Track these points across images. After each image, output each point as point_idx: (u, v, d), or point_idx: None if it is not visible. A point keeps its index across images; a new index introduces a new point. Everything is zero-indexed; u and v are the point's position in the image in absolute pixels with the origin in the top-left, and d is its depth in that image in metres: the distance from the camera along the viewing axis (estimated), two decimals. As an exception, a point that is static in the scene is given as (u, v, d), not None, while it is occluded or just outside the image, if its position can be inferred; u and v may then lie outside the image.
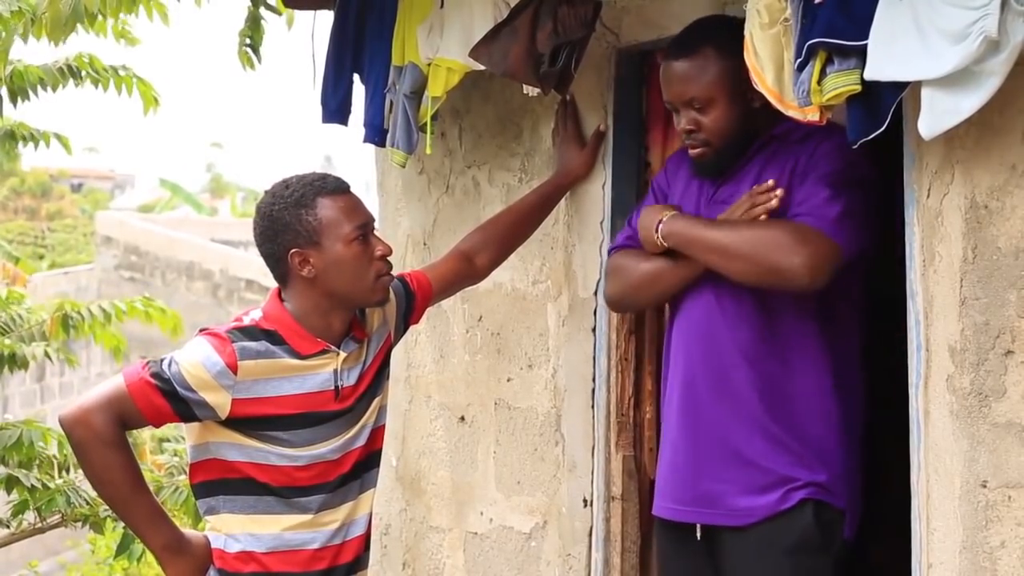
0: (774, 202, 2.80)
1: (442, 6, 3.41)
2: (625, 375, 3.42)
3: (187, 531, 2.83)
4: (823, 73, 2.46)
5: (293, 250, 2.78)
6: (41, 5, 4.07)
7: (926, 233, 2.55)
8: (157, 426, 2.85)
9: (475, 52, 3.26)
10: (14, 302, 5.95)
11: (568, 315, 3.54)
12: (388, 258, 2.85)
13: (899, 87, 2.38)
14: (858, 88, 2.41)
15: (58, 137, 5.97)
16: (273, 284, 2.90)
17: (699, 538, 2.94)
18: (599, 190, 3.46)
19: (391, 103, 3.58)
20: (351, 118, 3.82)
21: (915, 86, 2.35)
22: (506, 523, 3.74)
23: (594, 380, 3.46)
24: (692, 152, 2.95)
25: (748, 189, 2.89)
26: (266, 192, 2.86)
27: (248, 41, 4.59)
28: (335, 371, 2.82)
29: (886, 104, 2.41)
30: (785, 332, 2.87)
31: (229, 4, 4.81)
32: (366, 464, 2.91)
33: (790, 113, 2.58)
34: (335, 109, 3.79)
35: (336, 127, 3.88)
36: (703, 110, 2.89)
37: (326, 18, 3.90)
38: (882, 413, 3.01)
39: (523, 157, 3.70)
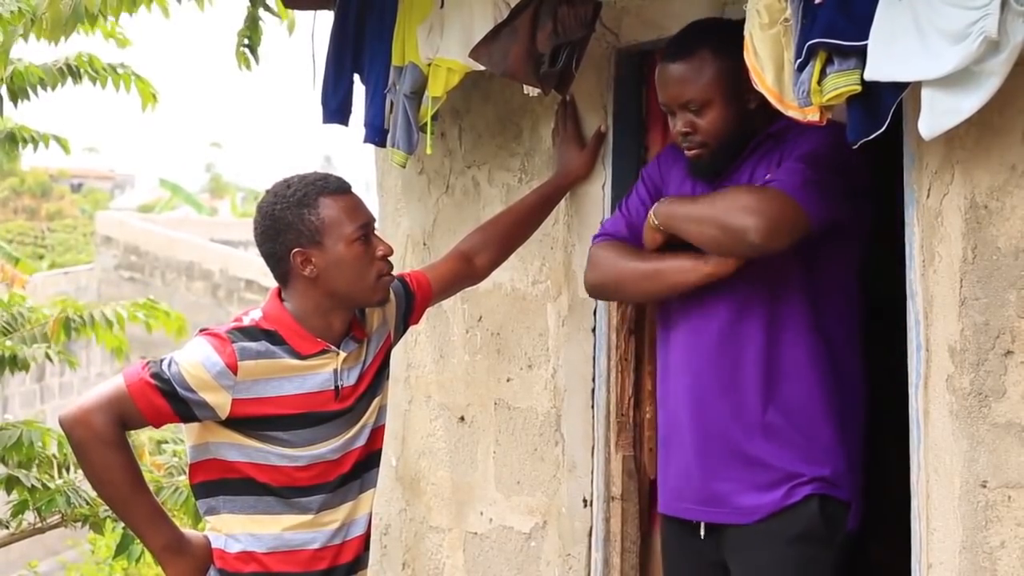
0: None
1: (442, 6, 3.41)
2: (625, 375, 3.42)
3: (187, 531, 2.83)
4: (823, 73, 2.46)
5: (295, 250, 2.78)
6: (41, 5, 4.07)
7: (926, 233, 2.55)
8: (157, 426, 2.85)
9: (475, 52, 3.26)
10: (15, 305, 5.95)
11: (568, 315, 3.54)
12: (389, 258, 2.85)
13: (899, 87, 2.38)
14: (858, 88, 2.41)
15: (57, 139, 5.98)
16: (273, 284, 2.90)
17: (704, 536, 2.94)
18: (599, 190, 3.46)
19: (391, 103, 3.58)
20: (351, 118, 3.82)
21: (915, 86, 2.35)
22: (506, 523, 3.74)
23: (594, 380, 3.46)
24: (688, 153, 2.96)
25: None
26: (267, 191, 2.86)
27: (246, 41, 4.58)
28: (335, 371, 2.82)
29: (886, 104, 2.41)
30: (786, 325, 2.88)
31: (229, 5, 4.81)
32: (366, 464, 2.91)
33: (790, 113, 2.58)
34: (335, 109, 3.79)
35: (336, 127, 3.88)
36: (699, 112, 2.89)
37: (326, 18, 3.91)
38: (882, 413, 3.01)
39: (523, 157, 3.70)
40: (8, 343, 5.66)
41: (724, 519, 2.91)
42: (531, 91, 3.35)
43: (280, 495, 2.79)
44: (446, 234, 3.93)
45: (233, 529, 2.79)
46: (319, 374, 2.80)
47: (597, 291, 3.21)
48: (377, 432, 2.94)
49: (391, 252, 2.86)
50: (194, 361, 2.70)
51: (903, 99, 2.43)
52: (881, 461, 3.06)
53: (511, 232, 3.39)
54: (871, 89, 2.41)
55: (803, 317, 2.88)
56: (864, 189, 2.86)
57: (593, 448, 3.46)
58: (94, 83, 5.59)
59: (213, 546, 2.80)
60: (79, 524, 5.56)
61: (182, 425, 2.83)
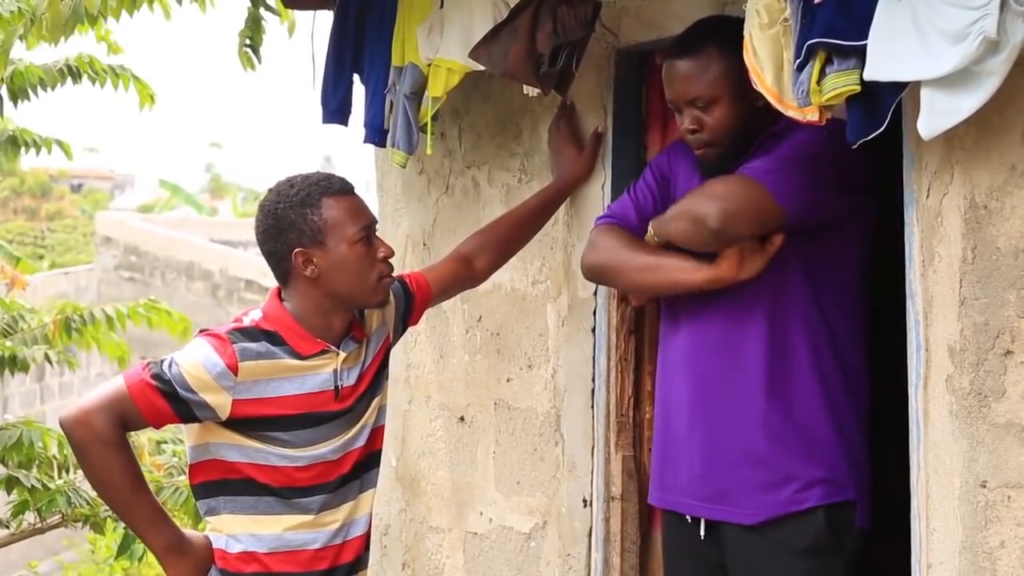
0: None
1: (442, 6, 3.41)
2: (625, 375, 3.42)
3: (188, 531, 2.84)
4: (822, 73, 2.46)
5: (297, 249, 2.78)
6: (41, 6, 4.07)
7: (925, 233, 2.55)
8: (157, 427, 2.85)
9: (475, 52, 3.26)
10: (15, 310, 5.95)
11: (568, 315, 3.54)
12: (390, 260, 2.86)
13: (898, 87, 2.38)
14: (857, 88, 2.41)
15: (59, 143, 5.99)
16: (273, 285, 2.91)
17: (704, 535, 2.94)
18: (599, 190, 3.46)
19: (391, 103, 3.58)
20: (351, 118, 3.82)
21: (914, 86, 2.35)
22: (506, 523, 3.74)
23: (594, 380, 3.46)
24: (698, 152, 2.95)
25: None
26: (270, 190, 2.87)
27: (248, 42, 4.59)
28: (335, 371, 2.82)
29: (886, 104, 2.41)
30: (788, 323, 2.87)
31: (229, 5, 4.81)
32: (366, 464, 2.91)
33: (789, 113, 2.58)
34: (335, 109, 3.79)
35: (336, 127, 3.88)
36: (706, 109, 2.89)
37: (326, 18, 3.91)
38: (882, 413, 3.01)
39: (523, 157, 3.70)
40: (8, 344, 5.65)
41: (724, 517, 2.90)
42: (531, 91, 3.36)
43: (280, 495, 2.79)
44: (446, 234, 3.93)
45: (234, 529, 2.80)
46: (319, 374, 2.80)
47: (594, 273, 3.19)
48: (377, 432, 2.94)
49: (392, 254, 2.87)
50: (195, 362, 2.70)
51: (902, 99, 2.43)
52: (881, 461, 3.06)
53: (511, 235, 3.39)
54: (870, 89, 2.40)
55: (805, 315, 2.87)
56: (864, 186, 2.85)
57: (593, 448, 3.46)
58: (93, 83, 5.60)
59: (214, 546, 2.80)
60: (79, 524, 5.56)
61: (182, 426, 2.84)
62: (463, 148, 3.92)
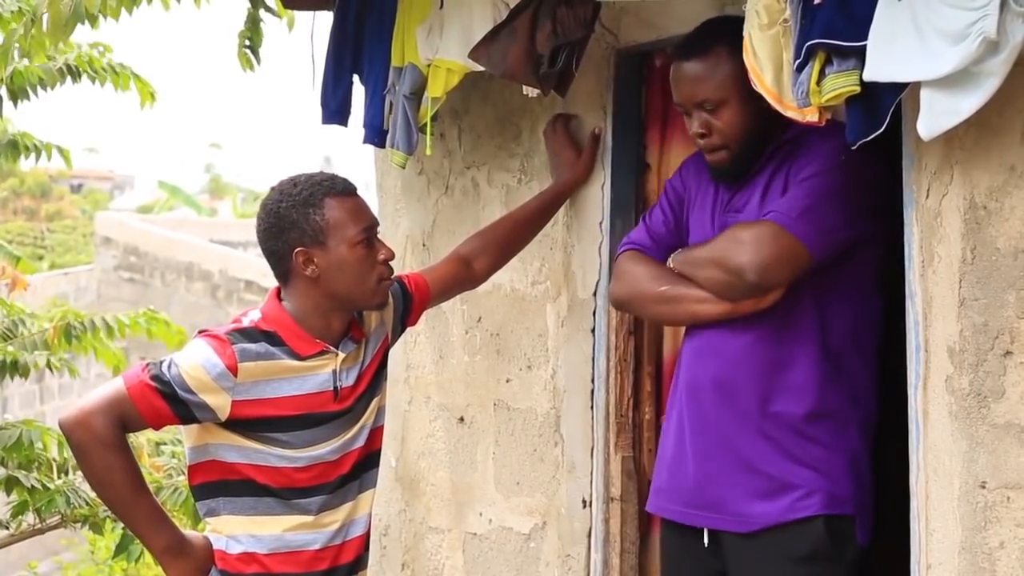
0: None
1: (441, 7, 3.41)
2: (624, 376, 3.42)
3: (188, 532, 2.83)
4: (822, 74, 2.46)
5: (298, 248, 2.78)
6: (41, 6, 4.07)
7: (925, 234, 2.54)
8: (157, 428, 2.85)
9: (474, 53, 3.26)
10: (16, 314, 5.95)
11: (567, 316, 3.54)
12: (390, 262, 2.86)
13: (898, 88, 2.38)
14: (857, 89, 2.41)
15: (60, 150, 5.99)
16: (272, 285, 2.91)
17: (706, 543, 2.93)
18: (598, 191, 3.46)
19: (391, 104, 3.58)
20: (351, 119, 3.82)
21: (914, 87, 2.35)
22: (505, 524, 3.74)
23: (593, 381, 3.46)
24: (709, 158, 2.92)
25: (760, 196, 2.87)
26: (273, 189, 2.87)
27: (247, 42, 4.58)
28: (334, 372, 2.82)
29: (885, 105, 2.41)
30: (792, 334, 2.85)
31: (229, 5, 4.80)
32: (365, 465, 2.91)
33: (789, 114, 2.58)
34: (335, 110, 3.79)
35: (336, 128, 3.88)
36: (715, 112, 2.85)
37: (325, 19, 3.91)
38: (882, 414, 3.01)
39: (522, 158, 3.70)
40: (9, 348, 5.65)
41: (724, 526, 2.89)
42: (530, 92, 3.35)
43: (280, 496, 2.79)
44: (445, 235, 3.93)
45: (234, 530, 2.80)
46: (318, 375, 2.80)
47: (620, 305, 3.22)
48: (376, 433, 2.94)
49: (393, 256, 2.87)
50: (194, 363, 2.70)
51: (902, 100, 2.43)
52: (881, 461, 3.05)
53: (510, 237, 3.39)
54: (870, 90, 2.40)
55: (810, 326, 2.84)
56: (881, 203, 2.78)
57: (592, 449, 3.46)
58: (93, 82, 5.60)
59: (214, 547, 2.80)
60: (79, 525, 5.56)
61: (181, 427, 2.84)
62: (463, 149, 3.92)
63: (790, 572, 2.83)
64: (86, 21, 4.04)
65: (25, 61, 5.39)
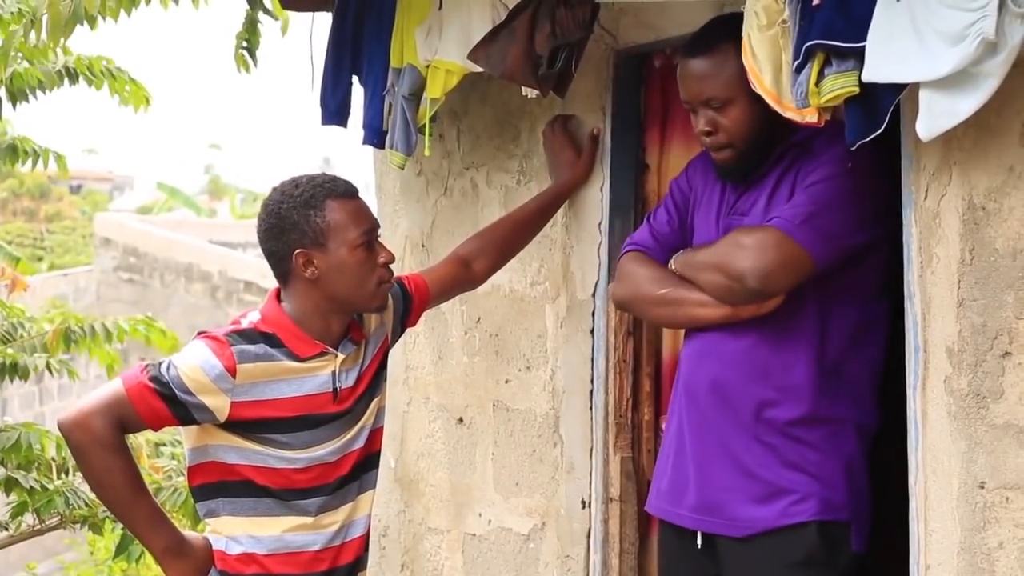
0: None
1: (440, 8, 3.41)
2: (623, 377, 3.42)
3: (188, 533, 2.83)
4: (821, 75, 2.46)
5: (298, 250, 2.78)
6: (41, 7, 4.07)
7: (924, 234, 2.55)
8: (156, 430, 2.86)
9: (473, 54, 3.26)
10: (15, 316, 5.96)
11: (566, 317, 3.54)
12: (390, 265, 2.86)
13: (897, 89, 2.38)
14: (856, 90, 2.41)
15: (57, 156, 6.00)
16: (272, 286, 2.91)
17: (700, 546, 2.92)
18: (597, 192, 3.46)
19: (390, 105, 3.58)
20: (350, 120, 3.82)
21: (913, 88, 2.35)
22: (504, 524, 3.74)
23: (592, 382, 3.47)
24: (715, 156, 2.90)
25: (767, 200, 2.86)
26: (274, 189, 2.86)
27: (245, 44, 4.59)
28: (333, 373, 2.82)
29: (884, 106, 2.41)
30: (791, 339, 2.83)
31: (227, 7, 4.81)
32: (365, 466, 2.91)
33: (788, 115, 2.58)
34: (334, 111, 3.79)
35: (335, 129, 3.88)
36: (721, 110, 2.83)
37: (324, 20, 3.91)
38: (882, 413, 3.01)
39: (521, 159, 3.70)
40: (9, 351, 5.66)
41: (718, 530, 2.88)
42: (529, 93, 3.36)
43: (279, 497, 2.79)
44: (444, 235, 3.93)
45: (233, 531, 2.80)
46: (317, 376, 2.80)
47: (621, 306, 3.22)
48: (375, 434, 2.94)
49: (393, 260, 2.87)
50: (193, 364, 2.70)
51: (901, 100, 2.43)
52: (880, 462, 3.05)
53: (509, 238, 3.39)
54: (869, 90, 2.40)
55: (810, 331, 2.82)
56: (887, 209, 2.74)
57: (591, 449, 3.46)
58: (90, 85, 5.61)
59: (214, 548, 2.80)
60: (78, 525, 5.56)
61: (180, 428, 2.84)
62: (461, 149, 3.92)
63: None
64: (85, 22, 4.04)
65: (25, 64, 5.40)
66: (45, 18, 3.96)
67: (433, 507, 4.00)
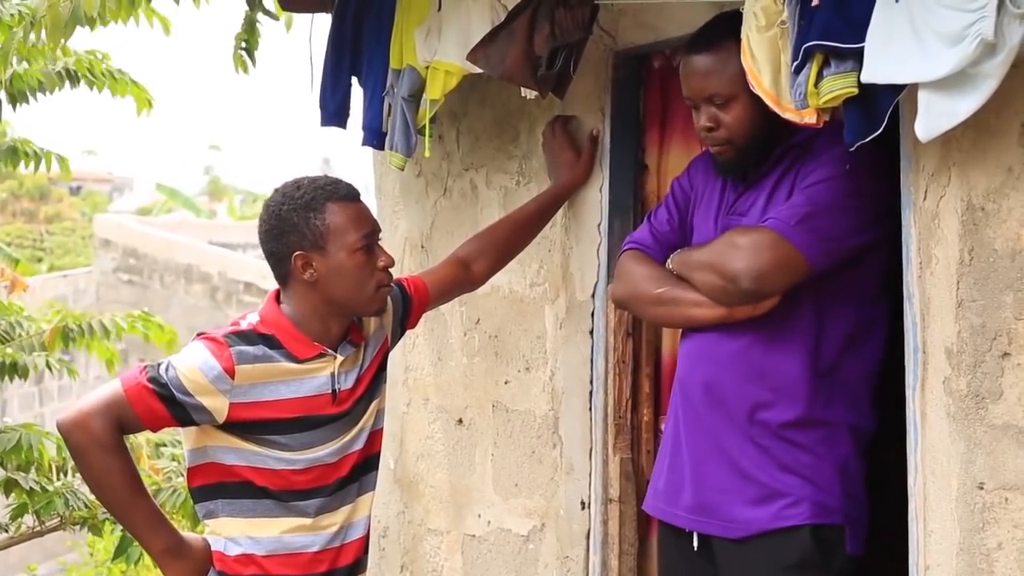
0: None
1: (440, 9, 3.41)
2: (622, 378, 3.42)
3: (186, 534, 2.84)
4: (820, 76, 2.46)
5: (297, 252, 2.78)
6: (40, 9, 4.07)
7: (923, 235, 2.55)
8: (155, 430, 2.86)
9: (473, 55, 3.26)
10: (14, 314, 5.96)
11: (566, 317, 3.54)
12: (390, 269, 2.86)
13: (896, 89, 2.38)
14: (855, 91, 2.41)
15: (59, 158, 5.99)
16: (271, 287, 2.91)
17: (697, 547, 2.92)
18: (596, 193, 3.46)
19: (389, 106, 3.58)
20: (349, 121, 3.82)
21: (912, 88, 2.36)
22: (504, 525, 3.74)
23: (591, 383, 3.47)
24: (714, 151, 2.90)
25: (765, 200, 2.86)
26: (276, 190, 2.86)
27: (244, 45, 4.59)
28: (332, 374, 2.82)
29: (883, 107, 2.41)
30: (786, 341, 2.83)
31: (227, 8, 4.81)
32: (364, 467, 2.91)
33: (787, 115, 2.58)
34: (333, 112, 3.79)
35: (335, 130, 3.88)
36: (724, 107, 2.83)
37: (324, 21, 3.91)
38: (880, 415, 3.01)
39: (520, 160, 3.70)
40: (8, 350, 5.66)
41: (713, 531, 2.88)
42: (528, 94, 3.36)
43: (278, 498, 2.79)
44: (444, 236, 3.93)
45: (232, 532, 2.80)
46: (316, 378, 2.80)
47: (619, 304, 3.23)
48: (375, 435, 2.94)
49: (392, 264, 2.86)
50: (191, 365, 2.70)
51: (900, 101, 2.43)
52: (879, 463, 3.05)
53: (509, 239, 3.39)
54: (868, 91, 2.41)
55: (805, 332, 2.82)
56: (886, 210, 2.73)
57: (591, 450, 3.46)
58: (91, 88, 5.60)
59: (213, 549, 2.80)
60: (78, 527, 5.56)
61: (180, 429, 2.84)
62: (461, 151, 3.92)
63: None
64: (85, 24, 4.04)
65: (25, 64, 5.40)
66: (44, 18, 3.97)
67: (432, 508, 4.00)
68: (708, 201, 3.02)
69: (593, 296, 3.46)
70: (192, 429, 2.78)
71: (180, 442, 4.63)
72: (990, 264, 2.39)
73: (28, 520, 5.46)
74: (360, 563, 2.93)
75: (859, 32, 2.39)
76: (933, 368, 2.52)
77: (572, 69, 3.28)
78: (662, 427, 3.22)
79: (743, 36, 2.65)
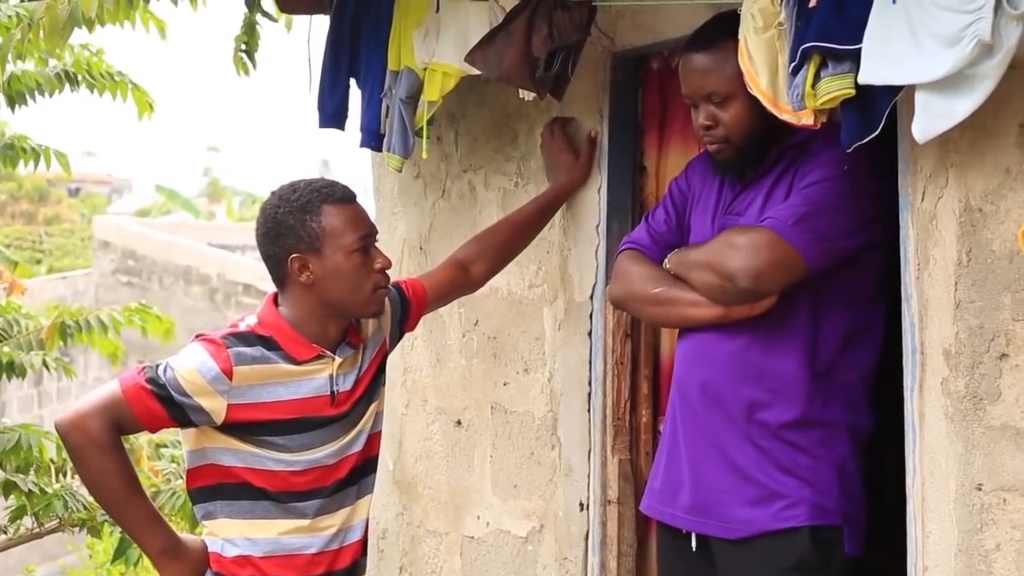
0: None
1: (438, 10, 3.41)
2: (621, 379, 3.42)
3: (184, 535, 2.84)
4: (817, 77, 2.46)
5: (293, 255, 2.78)
6: (39, 10, 4.07)
7: (920, 236, 2.55)
8: (153, 431, 2.86)
9: (471, 56, 3.26)
10: (12, 312, 5.95)
11: (564, 319, 3.55)
12: (387, 271, 2.86)
13: (893, 91, 2.38)
14: (852, 92, 2.42)
15: (58, 155, 5.98)
16: (271, 289, 2.91)
17: (695, 548, 2.92)
18: (595, 194, 3.46)
19: (387, 108, 3.58)
20: (348, 123, 3.82)
21: (909, 90, 2.36)
22: (503, 527, 3.74)
23: (590, 384, 3.47)
24: (712, 149, 2.90)
25: (763, 200, 2.86)
26: (273, 193, 2.87)
27: (243, 47, 4.59)
28: (331, 376, 2.82)
29: (880, 108, 2.41)
30: (783, 341, 2.83)
31: (226, 9, 4.81)
32: (363, 470, 2.91)
33: (784, 117, 2.58)
34: (332, 114, 3.79)
35: (333, 132, 3.88)
36: (722, 105, 2.83)
37: (322, 22, 3.91)
38: (878, 416, 3.01)
39: (519, 161, 3.70)
40: (6, 349, 5.65)
41: (712, 531, 2.88)
42: (527, 95, 3.36)
43: (277, 500, 2.79)
44: (442, 238, 3.93)
45: (230, 533, 2.80)
46: (314, 379, 2.80)
47: (617, 304, 3.22)
48: (374, 438, 2.94)
49: (389, 265, 2.86)
50: (189, 366, 2.70)
51: (897, 103, 2.43)
52: (878, 464, 3.05)
53: (508, 241, 3.39)
54: (865, 93, 2.41)
55: (802, 332, 2.82)
56: (884, 211, 2.73)
57: (589, 452, 3.46)
58: (91, 91, 5.59)
59: (210, 550, 2.80)
60: (77, 528, 5.56)
61: (180, 431, 2.84)
62: (459, 152, 3.92)
63: None
64: (83, 26, 4.04)
65: (21, 64, 5.39)
66: (43, 22, 3.97)
67: (431, 509, 4.00)
68: (705, 201, 3.02)
69: (592, 298, 3.47)
70: (191, 431, 2.78)
71: (180, 443, 4.63)
72: (988, 265, 2.39)
73: (27, 522, 5.45)
74: (358, 565, 2.93)
75: (856, 33, 2.39)
76: (931, 369, 2.52)
77: (570, 71, 3.28)
78: (661, 428, 3.22)
79: (740, 37, 2.66)
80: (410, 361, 4.09)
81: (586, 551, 3.47)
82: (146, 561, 5.16)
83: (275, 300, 2.86)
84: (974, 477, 2.43)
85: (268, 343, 2.78)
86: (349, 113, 3.80)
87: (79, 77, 5.56)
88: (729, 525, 2.85)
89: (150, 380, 2.70)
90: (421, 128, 3.50)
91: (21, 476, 5.35)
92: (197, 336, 2.79)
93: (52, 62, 5.54)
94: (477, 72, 3.32)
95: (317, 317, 2.82)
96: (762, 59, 2.61)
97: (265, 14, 4.52)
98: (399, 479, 4.14)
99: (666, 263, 2.97)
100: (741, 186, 2.94)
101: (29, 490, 5.29)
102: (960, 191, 2.44)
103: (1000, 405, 2.38)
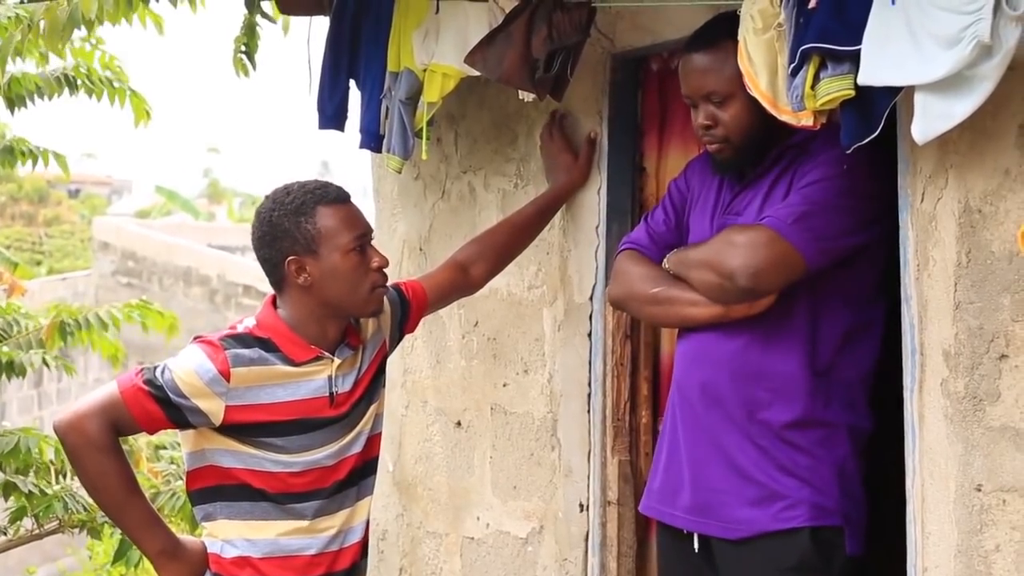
0: None
1: (437, 12, 3.41)
2: (621, 380, 3.42)
3: (183, 536, 2.84)
4: (817, 78, 2.46)
5: (290, 257, 2.78)
6: (39, 12, 4.08)
7: (920, 237, 2.55)
8: (151, 432, 2.86)
9: (470, 58, 3.26)
10: (12, 312, 5.94)
11: (564, 320, 3.55)
12: (384, 270, 2.86)
13: (893, 92, 2.39)
14: (852, 93, 2.42)
15: (57, 156, 5.98)
16: (271, 290, 2.91)
17: (697, 548, 2.92)
18: (594, 195, 3.46)
19: (387, 109, 3.58)
20: (347, 124, 3.82)
21: (908, 91, 2.36)
22: (503, 528, 3.74)
23: (590, 385, 3.47)
24: (711, 149, 2.90)
25: (762, 200, 2.86)
26: (267, 197, 2.87)
27: (243, 48, 4.59)
28: (329, 377, 2.82)
29: (880, 109, 2.41)
30: (783, 340, 2.83)
31: (226, 11, 4.81)
32: (363, 471, 2.91)
33: (784, 118, 2.59)
34: (331, 115, 3.78)
35: (333, 133, 3.88)
36: (722, 105, 2.83)
37: (322, 24, 3.91)
38: (878, 417, 3.01)
39: (518, 162, 3.71)
40: (5, 349, 5.65)
41: (712, 531, 2.88)
42: (526, 96, 3.36)
43: (276, 501, 2.79)
44: (442, 239, 3.93)
45: (229, 535, 2.80)
46: (313, 381, 2.80)
47: (616, 304, 3.22)
48: (373, 439, 2.94)
49: (386, 264, 2.86)
50: (187, 368, 2.70)
51: (897, 104, 2.43)
52: (877, 465, 3.05)
53: (507, 243, 3.39)
54: (865, 94, 2.41)
55: (801, 332, 2.82)
56: (884, 211, 2.74)
57: (589, 453, 3.46)
58: (90, 95, 5.59)
59: (209, 551, 2.80)
60: (77, 530, 5.56)
61: (179, 432, 2.84)
62: (459, 153, 3.92)
63: None
64: (83, 26, 4.04)
65: (21, 64, 5.38)
66: (43, 23, 3.97)
67: (431, 511, 4.00)
68: (704, 201, 3.02)
69: (591, 298, 3.47)
70: (190, 432, 2.78)
71: (179, 445, 4.64)
72: (987, 266, 2.39)
73: (27, 523, 5.45)
74: (358, 567, 2.93)
75: (856, 34, 2.39)
76: (931, 370, 2.52)
77: (570, 72, 3.28)
78: (661, 429, 3.22)
79: (740, 38, 2.66)
80: (410, 362, 4.09)
81: (586, 552, 3.47)
82: (146, 563, 5.15)
83: (273, 302, 2.86)
84: (974, 478, 2.43)
85: (266, 345, 2.78)
86: (349, 114, 3.80)
87: (78, 82, 5.56)
88: (729, 525, 2.85)
89: (148, 382, 2.70)
90: (421, 129, 3.50)
91: (21, 477, 5.35)
92: (195, 338, 2.80)
93: (53, 62, 5.53)
94: (477, 73, 3.32)
95: (316, 318, 2.82)
96: (761, 60, 2.61)
97: (264, 15, 4.52)
98: (399, 480, 4.14)
99: (665, 263, 2.97)
100: (740, 186, 2.94)
101: (29, 491, 5.29)
102: (960, 192, 2.44)
103: (1000, 406, 2.38)
